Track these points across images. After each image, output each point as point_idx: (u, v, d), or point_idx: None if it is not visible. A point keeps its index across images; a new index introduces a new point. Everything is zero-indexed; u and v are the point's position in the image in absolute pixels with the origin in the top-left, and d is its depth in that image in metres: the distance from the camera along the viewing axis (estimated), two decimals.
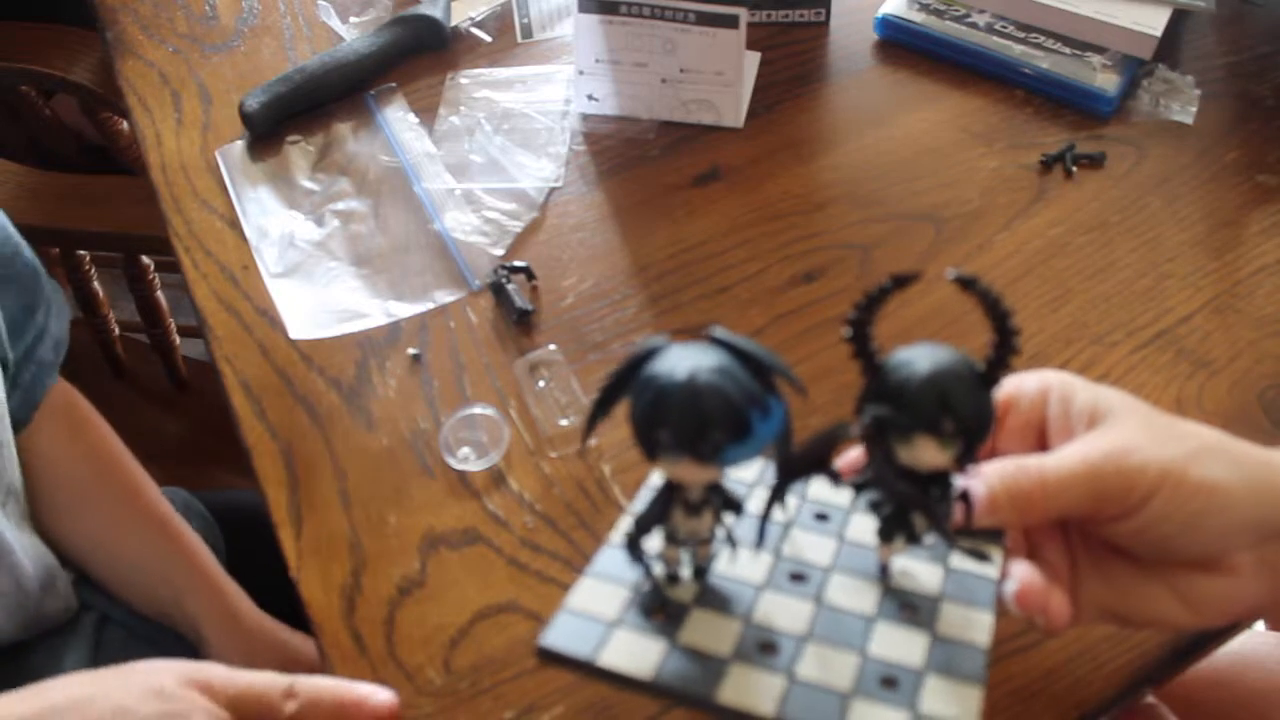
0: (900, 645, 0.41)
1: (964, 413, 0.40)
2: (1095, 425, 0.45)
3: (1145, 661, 0.55)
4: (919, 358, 0.41)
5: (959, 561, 0.45)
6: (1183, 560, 0.44)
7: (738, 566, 0.44)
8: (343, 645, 0.55)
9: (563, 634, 0.41)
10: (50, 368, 0.76)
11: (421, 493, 0.61)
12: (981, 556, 0.44)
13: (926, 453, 0.40)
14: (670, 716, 0.52)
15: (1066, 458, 0.44)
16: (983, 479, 0.44)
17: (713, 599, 0.43)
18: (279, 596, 0.75)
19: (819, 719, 0.38)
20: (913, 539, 0.43)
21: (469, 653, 0.55)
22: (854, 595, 0.43)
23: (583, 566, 0.58)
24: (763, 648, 0.41)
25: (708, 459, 0.38)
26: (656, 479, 0.46)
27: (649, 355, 0.39)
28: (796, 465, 0.42)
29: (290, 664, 0.79)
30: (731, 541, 0.43)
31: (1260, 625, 0.96)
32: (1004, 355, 0.41)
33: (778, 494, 0.43)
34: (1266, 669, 0.79)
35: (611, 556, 0.45)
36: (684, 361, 0.38)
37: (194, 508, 0.87)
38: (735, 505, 0.42)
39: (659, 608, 0.42)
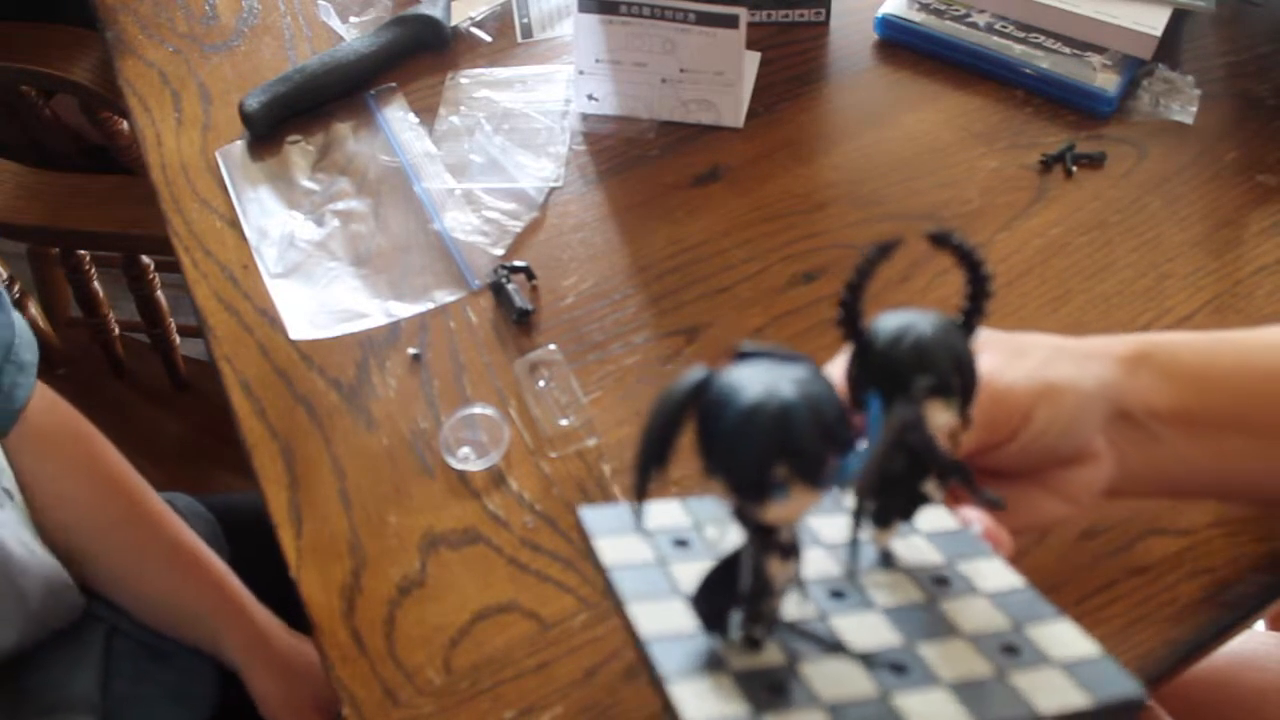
0: (976, 615, 0.41)
1: (968, 367, 0.40)
2: None
3: (1144, 662, 0.55)
4: (915, 322, 0.40)
5: (926, 525, 0.45)
6: (1061, 460, 0.48)
7: (788, 608, 0.40)
8: (343, 645, 0.55)
9: None
10: (29, 369, 0.72)
11: (421, 493, 0.61)
12: (997, 503, 0.44)
13: (937, 415, 0.40)
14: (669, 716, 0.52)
15: None
16: None
17: (802, 648, 0.38)
18: (280, 597, 0.75)
19: (1009, 710, 0.37)
20: (909, 516, 0.43)
21: (469, 653, 0.55)
22: (893, 590, 0.42)
23: (583, 567, 0.58)
24: (894, 670, 0.38)
25: (826, 482, 0.33)
26: (614, 553, 0.42)
27: (699, 389, 0.34)
28: (884, 468, 0.39)
29: (323, 680, 0.79)
30: (800, 582, 0.38)
31: (1260, 625, 0.96)
32: (980, 302, 0.41)
33: (863, 511, 0.40)
34: (1264, 669, 0.79)
35: (671, 651, 0.38)
36: (778, 379, 0.33)
37: (197, 511, 0.87)
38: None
39: (762, 682, 0.36)
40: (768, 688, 0.36)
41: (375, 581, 0.58)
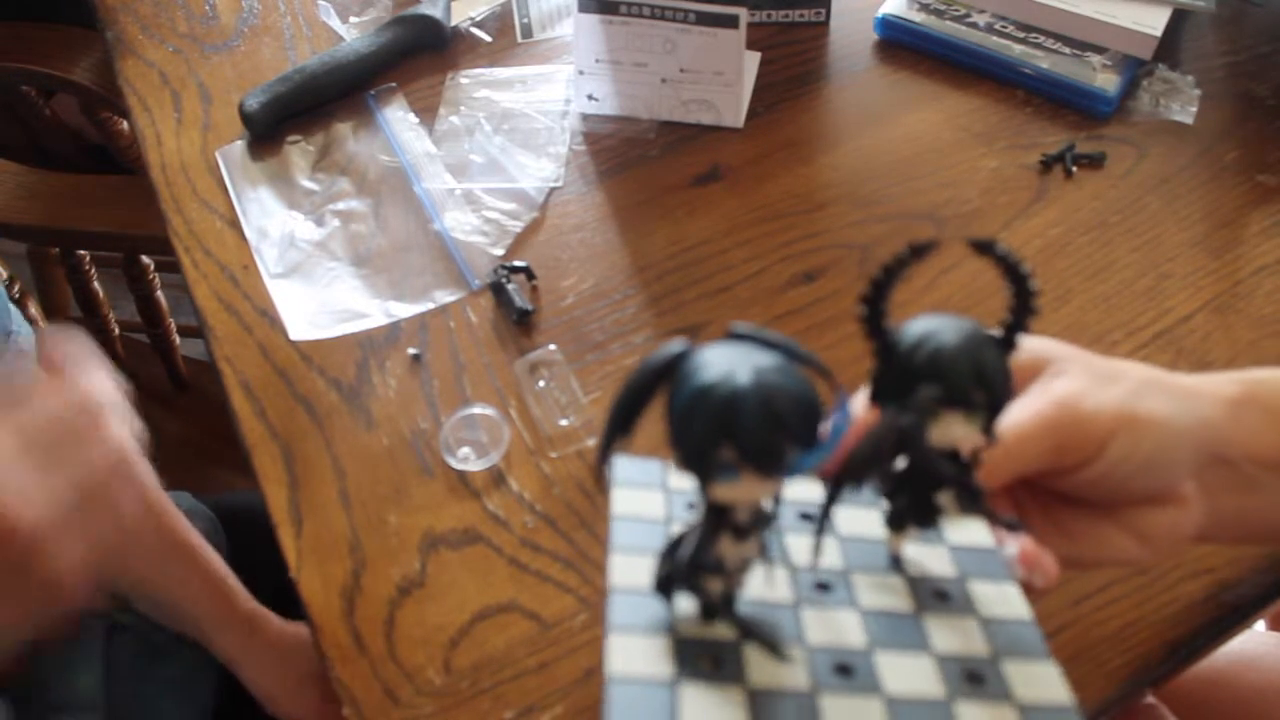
0: (959, 636, 0.40)
1: (995, 382, 0.38)
2: (1036, 376, 0.46)
3: (1145, 662, 0.55)
4: (941, 329, 0.39)
5: (956, 538, 0.44)
6: (1139, 498, 0.45)
7: (759, 588, 0.40)
8: (343, 645, 0.55)
9: (628, 709, 0.35)
10: (28, 358, 0.73)
11: (421, 493, 0.61)
12: (1014, 526, 0.42)
13: (955, 428, 0.39)
14: None
15: (1020, 416, 0.44)
16: None
17: (757, 630, 0.39)
18: (280, 596, 0.75)
19: None
20: (925, 523, 0.42)
21: (469, 653, 0.55)
22: (885, 594, 0.41)
23: (583, 567, 0.58)
24: (838, 670, 0.38)
25: (777, 472, 0.33)
26: (625, 504, 0.43)
27: (673, 363, 0.35)
28: (858, 468, 0.39)
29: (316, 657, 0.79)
30: (768, 560, 0.39)
31: (1260, 625, 0.96)
32: (1023, 318, 0.39)
33: (833, 502, 0.39)
34: (1266, 669, 0.79)
35: (627, 604, 0.39)
36: (739, 364, 0.33)
37: (199, 511, 0.87)
38: (768, 519, 0.37)
39: (704, 653, 0.37)
40: (708, 658, 0.37)
41: (375, 581, 0.58)
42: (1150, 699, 0.75)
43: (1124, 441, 0.43)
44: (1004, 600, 0.42)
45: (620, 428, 0.35)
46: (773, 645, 0.38)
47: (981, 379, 0.38)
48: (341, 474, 0.62)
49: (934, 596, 0.41)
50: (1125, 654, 0.55)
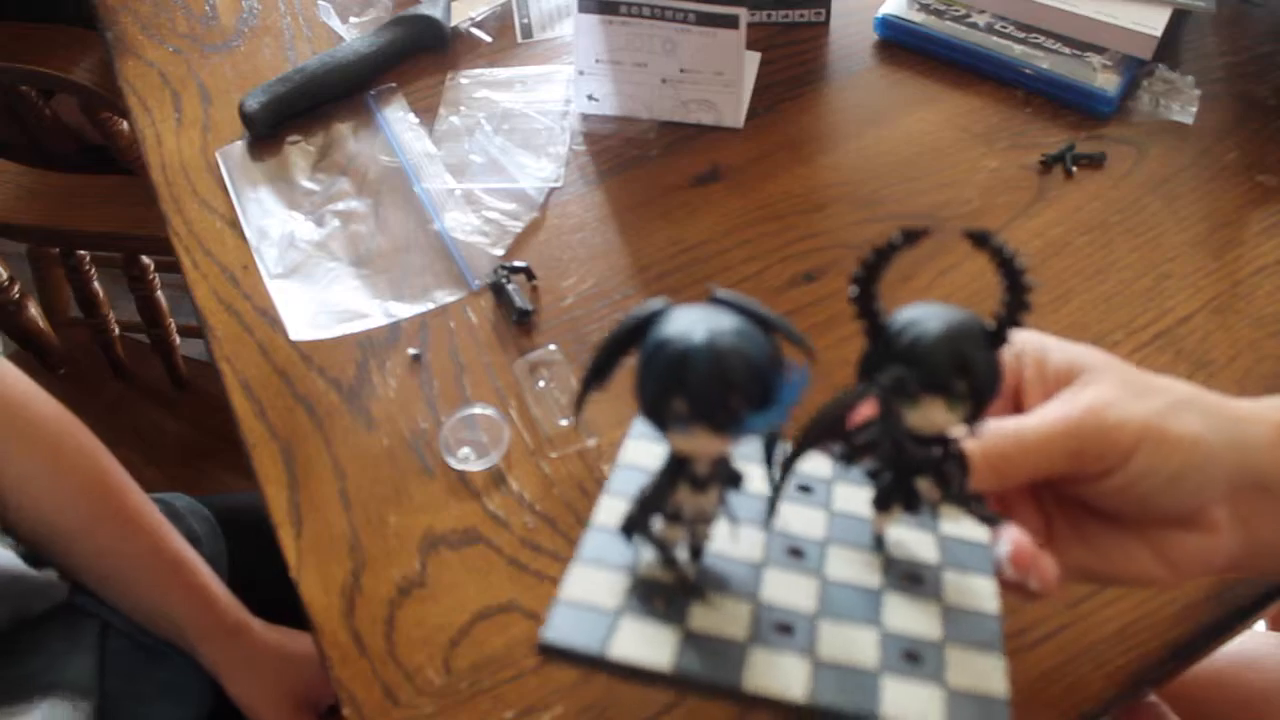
0: (914, 618, 0.40)
1: (977, 372, 0.39)
2: (1071, 383, 0.45)
3: (1145, 661, 0.55)
4: (929, 316, 0.39)
5: (950, 528, 0.45)
6: (1163, 517, 0.44)
7: (732, 545, 0.42)
8: (343, 645, 0.55)
9: (565, 628, 0.38)
10: None
11: (421, 493, 0.61)
12: (992, 520, 0.43)
13: (935, 414, 0.39)
14: (668, 717, 0.52)
15: (1044, 417, 0.44)
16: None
17: (714, 580, 0.41)
18: (280, 597, 0.75)
19: (852, 700, 0.37)
20: (911, 507, 0.42)
21: (469, 653, 0.55)
22: (856, 568, 0.42)
23: None
24: (779, 629, 0.39)
25: (727, 429, 0.35)
26: (632, 454, 0.45)
27: (650, 319, 0.37)
28: (812, 434, 0.40)
29: (311, 678, 0.79)
30: (732, 518, 0.41)
31: (1261, 625, 0.96)
32: (1015, 312, 0.40)
33: (790, 465, 0.41)
34: (1266, 669, 0.79)
35: (600, 540, 0.42)
36: (699, 324, 0.35)
37: (198, 512, 0.87)
38: (736, 479, 0.39)
39: (659, 593, 0.40)
40: (661, 599, 0.39)
41: (375, 581, 0.58)
42: (1152, 697, 0.75)
43: (1149, 455, 0.42)
44: (976, 593, 0.42)
45: (597, 376, 0.38)
46: (700, 593, 0.40)
47: (963, 368, 0.38)
48: (341, 474, 0.62)
49: (905, 578, 0.42)
50: (1126, 654, 0.55)
